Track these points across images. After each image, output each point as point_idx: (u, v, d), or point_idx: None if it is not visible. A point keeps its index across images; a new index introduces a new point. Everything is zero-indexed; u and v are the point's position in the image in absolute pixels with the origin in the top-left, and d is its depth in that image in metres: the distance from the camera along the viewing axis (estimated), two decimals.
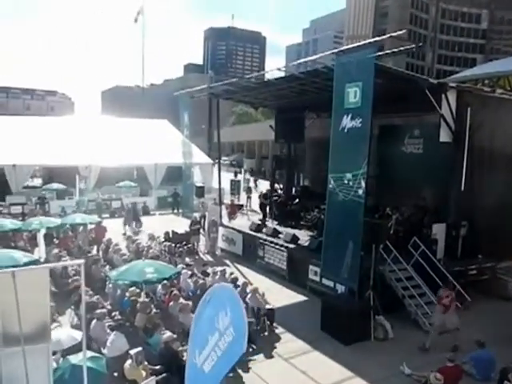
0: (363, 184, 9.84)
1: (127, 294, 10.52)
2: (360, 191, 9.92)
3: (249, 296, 10.53)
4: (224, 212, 21.26)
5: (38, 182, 33.89)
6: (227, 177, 33.47)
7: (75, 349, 7.98)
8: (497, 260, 13.24)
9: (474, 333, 9.57)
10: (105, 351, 8.64)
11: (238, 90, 16.29)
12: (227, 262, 16.41)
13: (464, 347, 8.96)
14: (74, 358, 7.48)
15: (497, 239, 12.72)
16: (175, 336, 8.53)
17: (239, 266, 15.73)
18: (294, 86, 14.29)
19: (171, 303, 10.40)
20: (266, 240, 15.29)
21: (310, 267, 12.84)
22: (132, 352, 7.77)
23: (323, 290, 12.18)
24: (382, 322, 10.48)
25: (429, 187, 14.40)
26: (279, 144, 21.46)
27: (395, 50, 10.67)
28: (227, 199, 25.90)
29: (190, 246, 16.30)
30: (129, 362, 7.77)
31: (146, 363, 7.78)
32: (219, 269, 12.26)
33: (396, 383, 8.47)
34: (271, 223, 17.55)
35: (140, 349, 7.84)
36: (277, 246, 14.62)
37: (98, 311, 9.41)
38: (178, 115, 24.36)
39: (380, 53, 10.14)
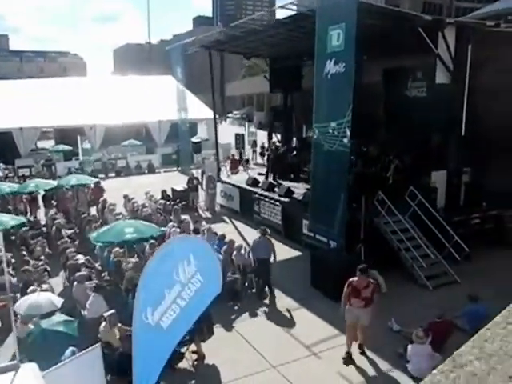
0: (348, 132, 9.18)
1: (112, 255, 10.39)
2: (345, 140, 9.27)
3: (234, 253, 10.25)
4: (227, 167, 20.92)
5: (49, 143, 33.94)
6: (237, 131, 32.89)
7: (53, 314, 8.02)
8: (504, 208, 12.54)
9: (472, 286, 9.15)
10: (84, 313, 8.58)
11: (226, 39, 15.36)
12: (225, 218, 16.14)
13: (460, 301, 8.56)
14: (46, 323, 7.45)
15: (503, 185, 11.96)
16: None
17: (236, 222, 15.44)
18: (282, 33, 13.28)
19: None
20: (261, 195, 14.87)
21: (304, 222, 12.40)
22: (105, 314, 7.63)
23: (317, 244, 11.81)
24: (374, 276, 10.06)
25: (432, 133, 13.52)
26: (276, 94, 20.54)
27: None
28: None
29: (184, 203, 16.03)
30: (103, 324, 7.65)
31: (119, 325, 7.65)
32: (207, 226, 11.97)
33: (382, 341, 8.08)
34: (272, 177, 17.06)
35: (113, 311, 7.68)
36: (272, 201, 14.19)
37: (78, 274, 9.30)
38: (187, 70, 23.67)
39: None
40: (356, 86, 9.67)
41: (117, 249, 10.28)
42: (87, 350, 5.12)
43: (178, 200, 15.86)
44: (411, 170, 12.69)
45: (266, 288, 10.17)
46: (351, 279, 7.65)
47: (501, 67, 10.90)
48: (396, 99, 15.67)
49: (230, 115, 63.10)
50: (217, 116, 30.62)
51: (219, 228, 14.10)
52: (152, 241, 10.84)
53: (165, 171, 26.52)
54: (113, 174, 26.14)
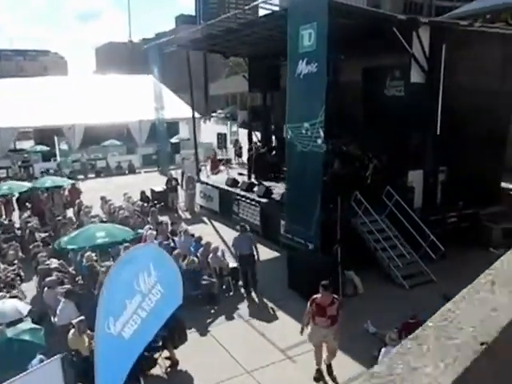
0: (322, 133, 9.09)
1: (84, 260, 10.16)
2: (319, 141, 9.19)
3: (210, 256, 10.11)
4: (207, 167, 20.76)
5: (30, 144, 33.22)
6: (221, 130, 32.75)
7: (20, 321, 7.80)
8: (480, 206, 12.63)
9: (448, 285, 9.08)
10: (55, 320, 8.36)
11: (204, 38, 15.16)
12: (204, 219, 15.98)
13: (436, 301, 8.54)
14: (11, 331, 7.22)
15: (479, 184, 12.03)
16: None
17: (216, 223, 15.29)
18: (258, 32, 13.12)
19: None
20: (240, 195, 14.75)
21: (282, 222, 12.30)
22: (74, 321, 7.43)
23: (295, 245, 11.71)
24: (351, 277, 10.04)
25: (410, 132, 13.54)
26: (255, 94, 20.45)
27: None
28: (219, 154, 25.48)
29: (162, 204, 15.84)
30: (72, 331, 7.45)
31: (89, 332, 7.46)
32: (184, 228, 11.81)
33: (358, 343, 7.95)
34: (253, 177, 16.93)
35: (82, 318, 7.47)
36: (250, 201, 14.08)
37: (48, 279, 9.06)
38: (171, 68, 23.40)
39: None
40: (333, 85, 9.61)
41: (89, 253, 10.05)
42: (45, 362, 4.94)
43: (155, 202, 15.66)
44: (389, 170, 12.68)
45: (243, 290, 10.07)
46: (314, 296, 7.00)
47: (474, 66, 10.95)
48: (375, 98, 15.68)
49: (214, 114, 62.84)
50: (200, 115, 30.49)
51: (198, 229, 13.96)
52: (126, 244, 10.64)
53: (145, 171, 26.17)
54: (93, 175, 25.75)
